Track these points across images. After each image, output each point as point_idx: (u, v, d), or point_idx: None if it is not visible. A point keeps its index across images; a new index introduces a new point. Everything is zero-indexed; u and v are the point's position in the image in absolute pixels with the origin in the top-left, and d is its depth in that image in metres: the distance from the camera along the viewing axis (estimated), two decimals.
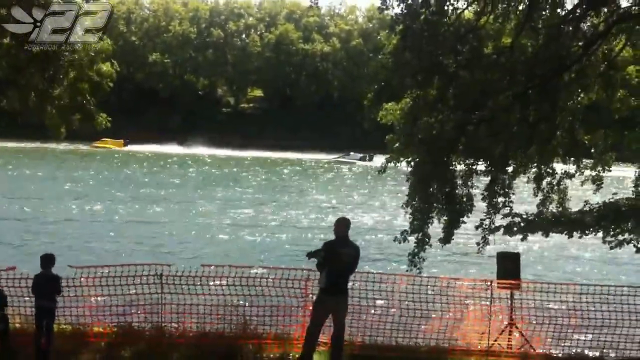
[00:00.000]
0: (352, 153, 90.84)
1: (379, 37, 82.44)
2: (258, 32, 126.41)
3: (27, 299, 11.45)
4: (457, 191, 13.77)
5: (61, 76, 15.41)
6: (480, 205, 14.39)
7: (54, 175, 53.61)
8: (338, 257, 9.41)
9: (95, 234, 29.72)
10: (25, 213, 34.71)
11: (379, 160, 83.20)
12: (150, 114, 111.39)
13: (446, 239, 14.30)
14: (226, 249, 27.44)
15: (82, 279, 11.98)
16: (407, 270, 14.33)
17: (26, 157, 69.96)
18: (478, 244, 14.40)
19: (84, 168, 61.75)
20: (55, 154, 76.86)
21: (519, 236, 14.29)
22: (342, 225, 9.78)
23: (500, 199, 14.01)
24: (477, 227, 14.23)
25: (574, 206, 14.90)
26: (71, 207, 37.40)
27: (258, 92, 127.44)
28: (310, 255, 9.58)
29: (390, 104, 14.58)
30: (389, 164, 14.39)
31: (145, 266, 12.52)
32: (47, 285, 10.04)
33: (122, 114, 70.48)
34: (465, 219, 14.09)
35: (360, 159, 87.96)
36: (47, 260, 10.17)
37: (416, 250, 14.10)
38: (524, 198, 18.55)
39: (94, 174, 56.72)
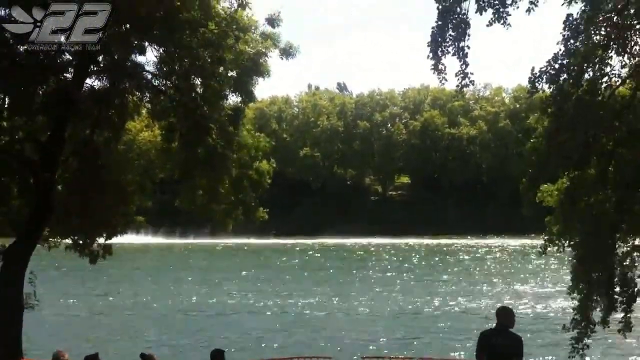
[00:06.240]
0: None
1: (528, 121, 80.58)
2: (403, 120, 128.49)
3: None
4: (621, 274, 12.94)
5: (225, 176, 16.59)
6: None
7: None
8: (492, 347, 9.08)
9: (256, 325, 30.65)
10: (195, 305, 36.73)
11: None
12: (303, 206, 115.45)
13: (607, 322, 13.40)
14: (385, 337, 27.17)
15: None
16: (569, 358, 13.55)
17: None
18: None
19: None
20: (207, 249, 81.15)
21: None
22: (501, 314, 9.44)
23: None
24: None
25: None
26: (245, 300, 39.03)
27: (405, 179, 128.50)
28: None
29: (546, 185, 14.26)
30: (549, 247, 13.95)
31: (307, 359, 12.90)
32: None
33: (275, 207, 73.42)
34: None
35: None
36: (218, 355, 10.64)
37: (578, 335, 13.30)
38: None
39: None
